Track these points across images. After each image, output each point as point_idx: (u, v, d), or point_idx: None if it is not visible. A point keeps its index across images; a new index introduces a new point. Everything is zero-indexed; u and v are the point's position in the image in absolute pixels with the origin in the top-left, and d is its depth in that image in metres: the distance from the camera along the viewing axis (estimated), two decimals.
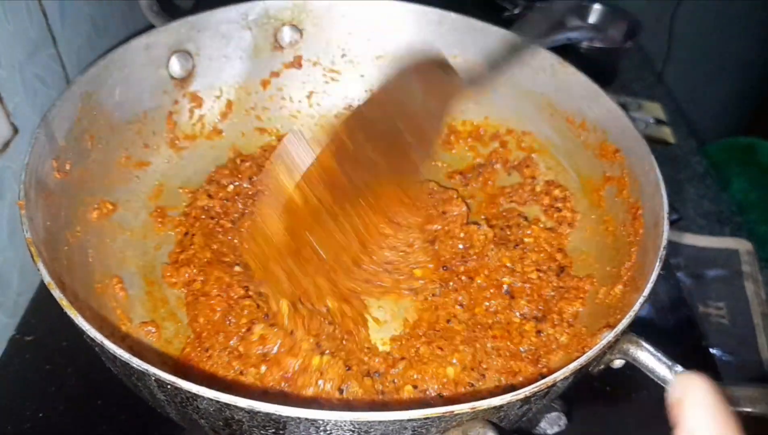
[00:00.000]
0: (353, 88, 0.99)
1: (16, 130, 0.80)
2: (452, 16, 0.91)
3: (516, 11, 1.46)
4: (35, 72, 0.84)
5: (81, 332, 0.50)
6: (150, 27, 0.84)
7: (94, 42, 1.02)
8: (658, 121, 1.36)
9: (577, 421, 0.75)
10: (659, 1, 1.77)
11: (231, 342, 0.66)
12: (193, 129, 0.90)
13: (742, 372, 0.91)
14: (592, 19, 1.45)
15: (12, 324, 0.81)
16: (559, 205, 0.86)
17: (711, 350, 0.90)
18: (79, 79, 0.73)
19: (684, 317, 0.92)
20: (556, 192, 0.88)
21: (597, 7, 1.44)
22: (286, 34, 0.94)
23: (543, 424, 0.73)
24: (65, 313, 0.51)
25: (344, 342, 0.68)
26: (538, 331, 0.72)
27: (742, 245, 1.11)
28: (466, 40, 0.92)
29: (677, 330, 0.90)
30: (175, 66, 0.86)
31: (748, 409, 0.52)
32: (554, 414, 0.74)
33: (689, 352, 0.87)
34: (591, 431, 0.78)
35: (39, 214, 0.61)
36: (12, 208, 0.80)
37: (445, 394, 0.65)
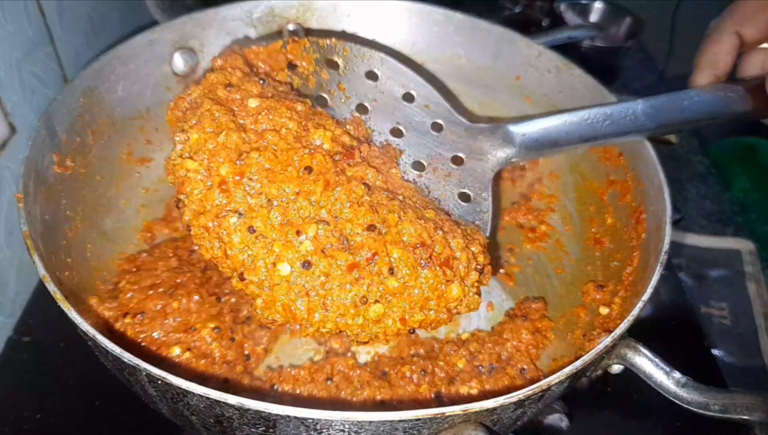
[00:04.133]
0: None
1: (13, 130, 0.80)
2: (458, 16, 0.91)
3: (517, 10, 1.45)
4: (33, 71, 0.84)
5: (75, 326, 0.50)
6: (150, 24, 0.84)
7: (92, 41, 1.02)
8: None
9: (579, 422, 0.74)
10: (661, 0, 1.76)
11: None
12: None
13: (743, 373, 0.91)
14: (594, 17, 1.44)
15: (10, 324, 0.81)
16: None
17: (713, 351, 0.89)
18: (81, 73, 0.73)
19: (685, 318, 0.92)
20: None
21: (598, 5, 1.44)
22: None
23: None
24: (63, 312, 0.51)
25: None
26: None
27: (744, 245, 1.10)
28: (471, 40, 0.91)
29: (679, 331, 0.89)
30: (179, 62, 0.85)
31: (746, 417, 0.51)
32: (556, 415, 0.74)
33: (691, 353, 0.86)
34: (592, 433, 0.77)
35: (37, 207, 0.62)
36: (10, 208, 0.80)
37: None
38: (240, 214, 0.57)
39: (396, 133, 0.73)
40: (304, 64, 0.71)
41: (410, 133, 0.72)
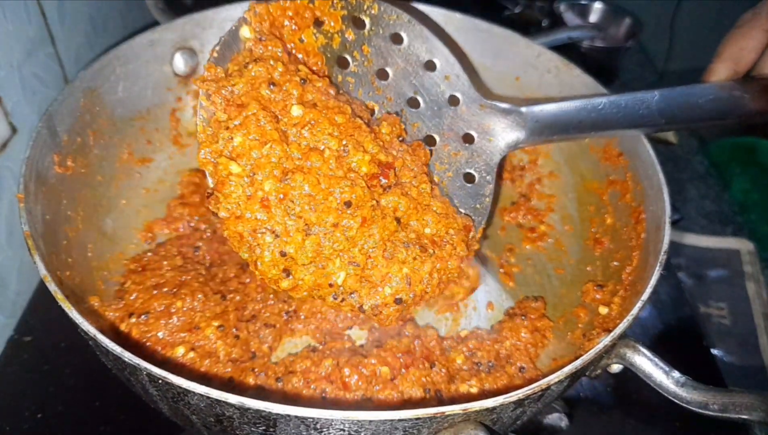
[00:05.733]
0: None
1: (14, 130, 0.80)
2: (457, 17, 0.91)
3: (516, 10, 1.46)
4: (34, 71, 0.84)
5: (75, 326, 0.50)
6: (151, 25, 0.84)
7: (93, 41, 1.02)
8: None
9: (579, 421, 0.75)
10: (660, 0, 1.76)
11: None
12: (196, 126, 0.90)
13: (743, 372, 0.91)
14: (593, 18, 1.45)
15: (10, 324, 0.82)
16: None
17: (712, 351, 0.89)
18: (82, 74, 0.73)
19: (685, 317, 0.92)
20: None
21: (598, 6, 1.44)
22: None
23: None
24: (63, 312, 0.51)
25: None
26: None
27: (743, 245, 1.10)
28: (471, 40, 0.92)
29: (678, 330, 0.90)
30: (179, 63, 0.86)
31: (745, 416, 0.52)
32: (555, 415, 0.74)
33: (690, 353, 0.86)
34: (592, 432, 0.77)
35: (38, 207, 0.62)
36: (11, 208, 0.80)
37: None
38: (276, 234, 0.60)
39: (413, 103, 0.73)
40: (331, 23, 0.71)
41: (427, 104, 0.73)
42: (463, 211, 0.73)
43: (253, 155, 0.61)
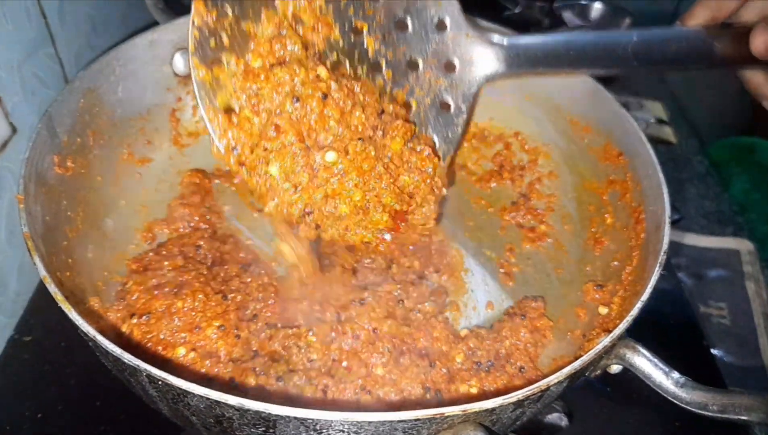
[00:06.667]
0: None
1: (14, 130, 0.80)
2: None
3: (516, 10, 1.45)
4: (34, 71, 0.84)
5: (75, 327, 0.51)
6: (151, 25, 0.84)
7: (93, 42, 1.02)
8: (660, 121, 1.35)
9: (579, 421, 0.75)
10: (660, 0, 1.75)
11: None
12: (196, 126, 0.90)
13: (742, 373, 0.91)
14: (593, 18, 1.44)
15: (11, 324, 0.82)
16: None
17: (712, 351, 0.89)
18: (81, 74, 0.73)
19: (685, 317, 0.92)
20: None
21: (598, 6, 1.43)
22: None
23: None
24: (63, 312, 0.51)
25: None
26: None
27: (743, 245, 1.10)
28: None
29: (678, 330, 0.90)
30: (179, 63, 0.86)
31: (744, 417, 0.52)
32: (555, 414, 0.74)
33: (690, 353, 0.86)
34: (592, 432, 0.77)
35: (38, 208, 0.62)
36: (11, 208, 0.80)
37: None
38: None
39: (401, 26, 0.74)
40: None
41: (415, 28, 0.74)
42: (435, 136, 0.76)
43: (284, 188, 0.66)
